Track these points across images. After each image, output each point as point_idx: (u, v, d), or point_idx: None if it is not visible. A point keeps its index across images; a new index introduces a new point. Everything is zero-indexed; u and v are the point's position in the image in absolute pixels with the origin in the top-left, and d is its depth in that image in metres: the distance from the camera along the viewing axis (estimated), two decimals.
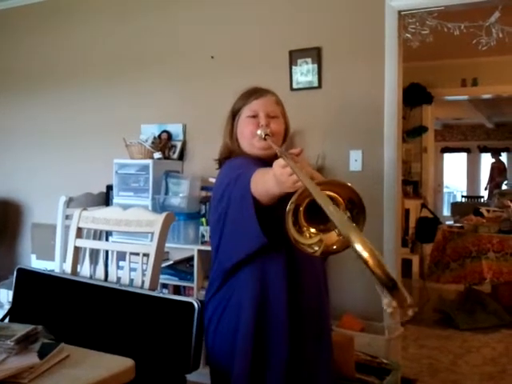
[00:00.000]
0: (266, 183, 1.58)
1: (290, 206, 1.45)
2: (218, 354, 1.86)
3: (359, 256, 1.08)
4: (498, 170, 12.45)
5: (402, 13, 3.30)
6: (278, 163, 1.46)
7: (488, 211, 5.41)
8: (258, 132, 1.83)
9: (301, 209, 1.48)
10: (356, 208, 1.53)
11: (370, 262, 1.06)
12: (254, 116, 1.87)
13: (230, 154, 1.95)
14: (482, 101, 8.91)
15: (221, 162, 1.99)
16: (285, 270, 1.78)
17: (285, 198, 1.52)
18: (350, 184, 1.49)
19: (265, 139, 1.81)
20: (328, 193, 1.49)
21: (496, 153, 12.70)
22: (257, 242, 1.65)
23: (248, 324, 1.75)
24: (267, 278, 1.78)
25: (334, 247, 1.50)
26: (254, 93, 1.92)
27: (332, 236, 1.52)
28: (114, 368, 1.47)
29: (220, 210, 1.76)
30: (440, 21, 3.70)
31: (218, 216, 1.77)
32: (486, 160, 13.38)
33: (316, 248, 1.48)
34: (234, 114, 1.93)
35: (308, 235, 1.49)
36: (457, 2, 3.18)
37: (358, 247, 1.10)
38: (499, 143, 12.95)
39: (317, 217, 1.49)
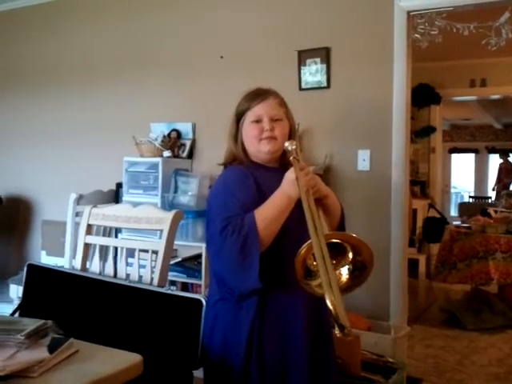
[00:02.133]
0: (274, 204, 1.73)
1: (297, 262, 1.49)
2: (213, 354, 1.87)
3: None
4: (505, 171, 12.39)
5: (411, 13, 3.29)
6: (290, 171, 1.75)
7: (496, 212, 5.40)
8: (286, 144, 1.84)
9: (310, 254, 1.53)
10: (361, 271, 1.59)
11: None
12: (258, 121, 1.87)
13: (234, 160, 1.95)
14: (490, 101, 8.87)
15: (226, 166, 2.00)
16: (285, 285, 1.78)
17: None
18: (371, 252, 1.57)
19: (295, 159, 1.80)
20: (341, 242, 1.56)
21: (504, 153, 12.64)
22: (252, 287, 1.69)
23: (245, 341, 1.76)
24: (267, 294, 1.78)
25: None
26: (257, 96, 1.90)
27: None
28: (122, 363, 1.49)
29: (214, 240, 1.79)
30: (449, 21, 3.70)
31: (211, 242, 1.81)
32: (494, 161, 13.32)
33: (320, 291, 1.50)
34: (238, 118, 1.93)
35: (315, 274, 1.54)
36: (466, 2, 3.17)
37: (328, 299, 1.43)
38: (507, 144, 12.87)
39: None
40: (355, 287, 1.60)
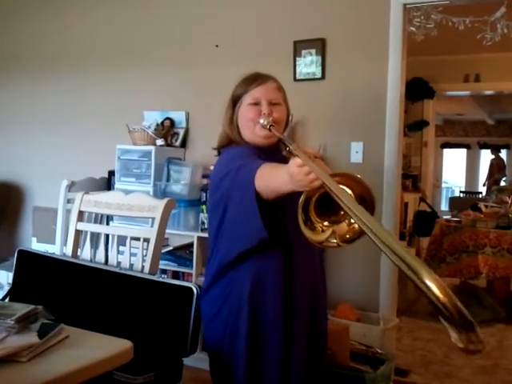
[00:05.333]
0: (273, 179, 1.60)
1: (300, 207, 1.46)
2: (215, 344, 1.86)
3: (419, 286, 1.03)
4: (497, 167, 12.46)
5: (408, 6, 3.29)
6: (296, 162, 1.42)
7: (486, 207, 5.42)
8: (261, 121, 1.80)
9: (311, 205, 1.49)
10: (366, 204, 1.53)
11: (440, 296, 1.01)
12: (256, 103, 1.84)
13: (230, 143, 1.92)
14: (483, 97, 8.90)
15: (220, 150, 1.97)
16: (281, 265, 1.79)
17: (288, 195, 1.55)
18: (363, 180, 1.49)
19: (269, 130, 1.78)
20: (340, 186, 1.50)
21: (496, 149, 12.71)
22: (257, 236, 1.66)
23: (244, 322, 1.77)
24: (264, 273, 1.78)
25: (348, 236, 1.52)
26: (256, 79, 1.88)
27: (343, 226, 1.54)
28: (112, 349, 1.49)
29: (217, 199, 1.77)
30: (445, 15, 3.70)
31: (216, 205, 1.78)
32: (486, 156, 13.38)
33: (334, 240, 1.49)
34: (235, 101, 1.89)
35: (321, 229, 1.51)
36: None
37: (426, 278, 1.04)
38: (499, 140, 12.94)
39: (326, 209, 1.50)
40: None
